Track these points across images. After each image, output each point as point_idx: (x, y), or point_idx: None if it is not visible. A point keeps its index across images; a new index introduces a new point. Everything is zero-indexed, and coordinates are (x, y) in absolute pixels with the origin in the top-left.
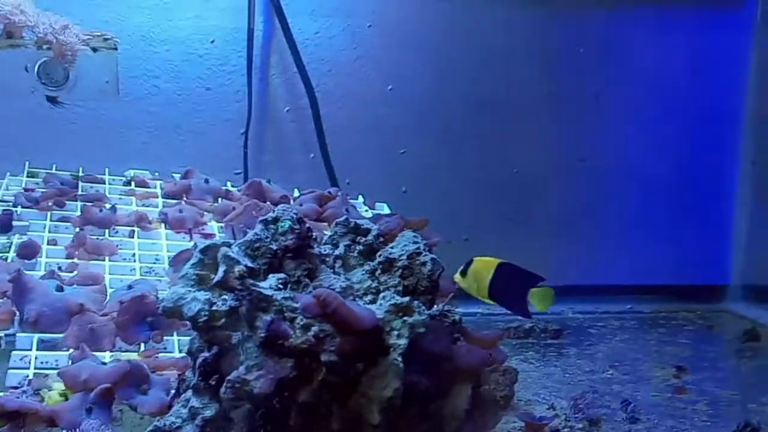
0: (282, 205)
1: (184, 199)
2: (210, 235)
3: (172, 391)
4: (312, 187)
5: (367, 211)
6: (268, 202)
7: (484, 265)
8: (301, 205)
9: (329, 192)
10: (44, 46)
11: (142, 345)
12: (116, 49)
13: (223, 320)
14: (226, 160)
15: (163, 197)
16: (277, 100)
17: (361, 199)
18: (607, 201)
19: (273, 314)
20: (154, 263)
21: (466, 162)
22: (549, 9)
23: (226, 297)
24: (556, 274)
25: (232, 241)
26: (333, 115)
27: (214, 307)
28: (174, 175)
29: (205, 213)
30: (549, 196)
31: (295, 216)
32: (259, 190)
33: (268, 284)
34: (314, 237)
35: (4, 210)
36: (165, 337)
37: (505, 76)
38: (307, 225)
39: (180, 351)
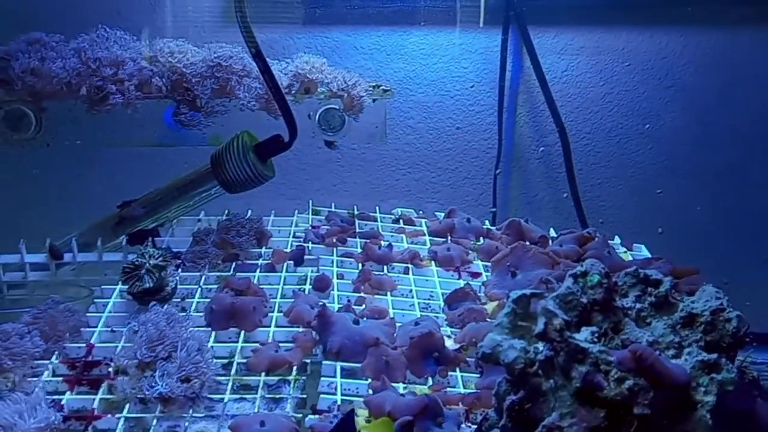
0: (590, 259)
1: (449, 237)
2: (477, 274)
3: (464, 426)
4: (559, 226)
5: (625, 252)
6: (528, 242)
7: None
8: (561, 245)
9: (588, 232)
10: (331, 98)
11: (430, 379)
12: (390, 98)
13: (536, 368)
14: (474, 197)
15: (429, 235)
16: (524, 138)
17: (617, 239)
18: None
19: (589, 366)
20: (429, 299)
21: (725, 201)
22: None
23: (539, 346)
24: None
25: (545, 293)
26: (581, 152)
27: (529, 355)
28: (436, 213)
29: (470, 252)
30: None
31: (603, 270)
32: (519, 229)
33: (583, 337)
34: (618, 291)
35: (297, 245)
36: (449, 373)
37: (762, 107)
38: (614, 279)
39: (464, 387)
